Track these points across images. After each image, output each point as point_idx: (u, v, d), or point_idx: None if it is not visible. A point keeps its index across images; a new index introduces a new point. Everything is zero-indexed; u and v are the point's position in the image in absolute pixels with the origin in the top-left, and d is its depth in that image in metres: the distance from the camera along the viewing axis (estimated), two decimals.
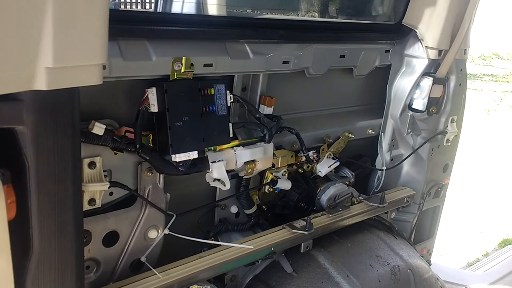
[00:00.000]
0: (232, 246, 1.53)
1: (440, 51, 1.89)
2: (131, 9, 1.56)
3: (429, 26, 1.84)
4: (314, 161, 1.81)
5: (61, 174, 0.96)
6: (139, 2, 1.85)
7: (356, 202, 1.93)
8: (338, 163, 1.89)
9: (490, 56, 13.72)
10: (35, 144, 0.91)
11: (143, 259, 1.43)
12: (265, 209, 1.81)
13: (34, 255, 0.99)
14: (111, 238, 1.38)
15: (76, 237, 1.05)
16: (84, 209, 1.22)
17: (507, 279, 3.25)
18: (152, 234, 1.44)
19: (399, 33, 1.91)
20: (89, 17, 0.85)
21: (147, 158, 1.32)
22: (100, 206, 1.26)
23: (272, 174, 1.72)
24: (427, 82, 1.92)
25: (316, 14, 2.27)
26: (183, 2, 1.70)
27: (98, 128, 1.18)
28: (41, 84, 0.84)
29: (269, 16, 2.04)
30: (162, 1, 1.77)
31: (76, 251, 1.05)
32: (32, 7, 0.80)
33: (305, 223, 1.67)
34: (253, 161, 1.56)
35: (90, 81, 0.91)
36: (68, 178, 0.98)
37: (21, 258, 0.99)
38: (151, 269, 1.38)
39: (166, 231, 1.46)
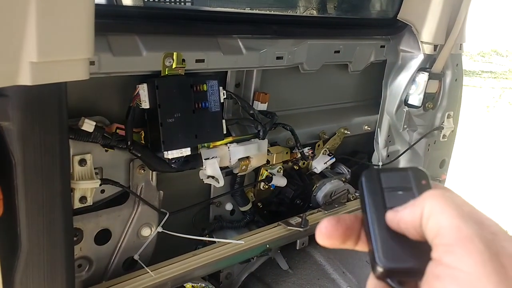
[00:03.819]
0: (227, 243, 1.52)
1: (435, 46, 1.88)
2: (120, 4, 1.54)
3: (424, 20, 1.83)
4: (310, 157, 1.80)
5: (49, 171, 0.95)
6: None
7: (352, 199, 1.92)
8: (334, 160, 1.87)
9: (489, 53, 13.71)
10: (21, 141, 0.90)
11: (136, 257, 1.42)
12: (261, 206, 1.79)
13: (23, 254, 0.97)
14: (103, 236, 1.36)
15: (66, 235, 1.03)
16: (75, 207, 1.21)
17: None
18: (145, 232, 1.43)
19: (394, 28, 1.89)
20: (74, 10, 0.84)
21: (139, 155, 1.30)
22: (91, 204, 1.25)
23: (267, 170, 1.70)
24: (423, 77, 1.90)
25: (314, 11, 2.25)
26: None
27: (88, 125, 1.17)
28: (26, 79, 0.83)
29: (262, 11, 2.03)
30: None
31: (66, 249, 1.04)
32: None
33: (300, 220, 1.66)
34: (248, 157, 1.55)
35: (76, 76, 0.89)
36: (56, 175, 0.97)
37: (10, 257, 0.98)
38: (144, 267, 1.36)
39: (159, 229, 1.44)
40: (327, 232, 0.45)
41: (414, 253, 0.42)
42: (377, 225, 0.44)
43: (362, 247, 0.46)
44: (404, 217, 0.42)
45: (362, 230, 0.46)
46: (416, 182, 0.45)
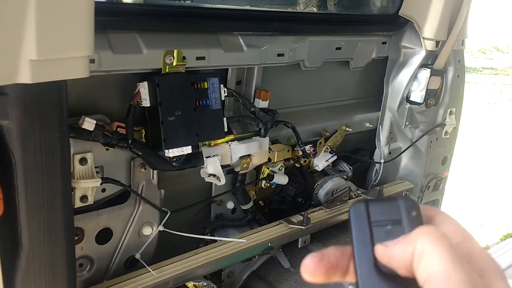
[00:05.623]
0: (229, 242, 1.51)
1: (437, 42, 1.86)
2: (120, 1, 1.53)
3: (426, 16, 1.81)
4: (311, 155, 1.79)
5: (49, 170, 0.94)
6: None
7: (354, 196, 1.91)
8: (335, 157, 1.87)
9: (490, 50, 13.67)
10: (21, 140, 0.89)
11: (137, 256, 1.41)
12: (262, 204, 1.79)
13: (24, 253, 0.97)
14: (104, 235, 1.35)
15: (67, 234, 1.03)
16: (76, 206, 1.20)
17: (508, 272, 3.23)
18: (147, 231, 1.42)
19: (396, 24, 1.88)
20: (74, 7, 0.83)
21: (140, 153, 1.30)
22: (92, 203, 1.24)
23: (268, 168, 1.70)
24: (425, 73, 1.89)
25: (314, 8, 2.24)
26: None
27: (89, 124, 1.16)
28: (26, 77, 0.82)
29: (263, 8, 2.02)
30: None
31: (67, 248, 1.03)
32: None
33: (302, 218, 1.65)
34: (249, 155, 1.54)
35: (76, 74, 0.88)
36: (56, 174, 0.96)
37: (10, 256, 0.97)
38: (145, 267, 1.36)
39: (161, 228, 1.44)
40: (309, 270, 0.45)
41: None
42: (364, 264, 0.43)
43: (351, 280, 0.46)
44: (394, 253, 0.42)
45: (352, 263, 0.45)
46: (406, 214, 0.44)
